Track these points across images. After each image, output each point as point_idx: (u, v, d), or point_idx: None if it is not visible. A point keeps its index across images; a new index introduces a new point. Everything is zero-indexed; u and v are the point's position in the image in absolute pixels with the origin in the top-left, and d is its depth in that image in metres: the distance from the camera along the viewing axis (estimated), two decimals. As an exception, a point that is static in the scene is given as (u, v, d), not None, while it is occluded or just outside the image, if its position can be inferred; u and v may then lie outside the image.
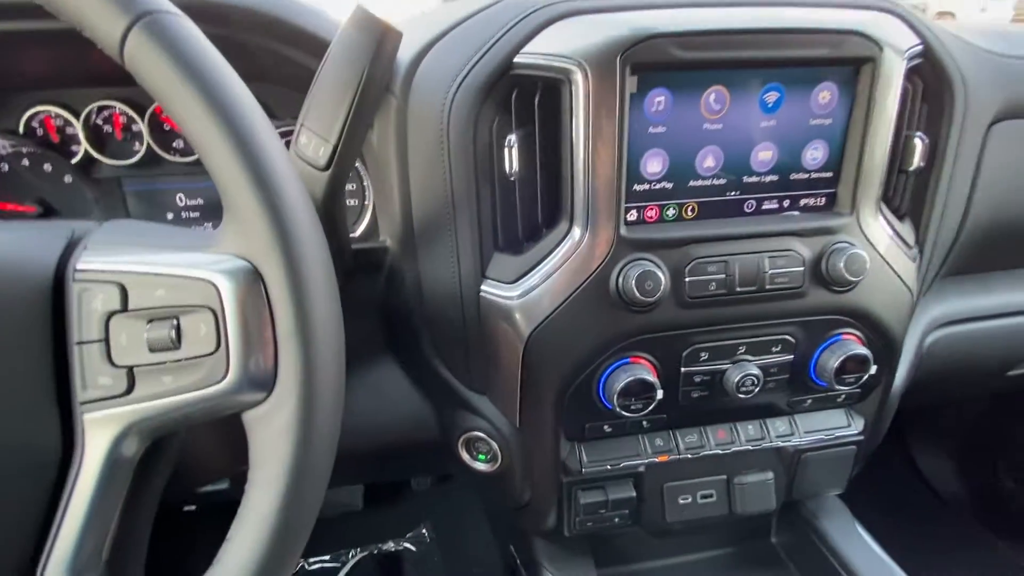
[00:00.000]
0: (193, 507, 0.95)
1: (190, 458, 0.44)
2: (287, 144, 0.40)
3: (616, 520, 0.60)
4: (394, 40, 0.40)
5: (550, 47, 0.45)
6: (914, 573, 0.66)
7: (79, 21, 0.27)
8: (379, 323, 0.61)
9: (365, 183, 0.61)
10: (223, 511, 0.34)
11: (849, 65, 0.48)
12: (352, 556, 1.00)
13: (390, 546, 1.02)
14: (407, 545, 1.02)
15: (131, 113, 0.58)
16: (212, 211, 0.63)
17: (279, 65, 0.52)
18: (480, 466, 0.61)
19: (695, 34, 0.45)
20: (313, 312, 0.29)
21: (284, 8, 0.50)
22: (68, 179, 0.60)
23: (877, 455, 0.66)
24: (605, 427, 0.56)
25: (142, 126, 0.58)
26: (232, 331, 0.29)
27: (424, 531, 1.04)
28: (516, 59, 0.46)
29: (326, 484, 0.32)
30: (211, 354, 0.29)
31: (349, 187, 0.61)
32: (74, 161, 0.59)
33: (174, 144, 0.60)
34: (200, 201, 0.63)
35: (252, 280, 0.29)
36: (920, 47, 0.50)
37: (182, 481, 0.43)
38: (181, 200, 0.63)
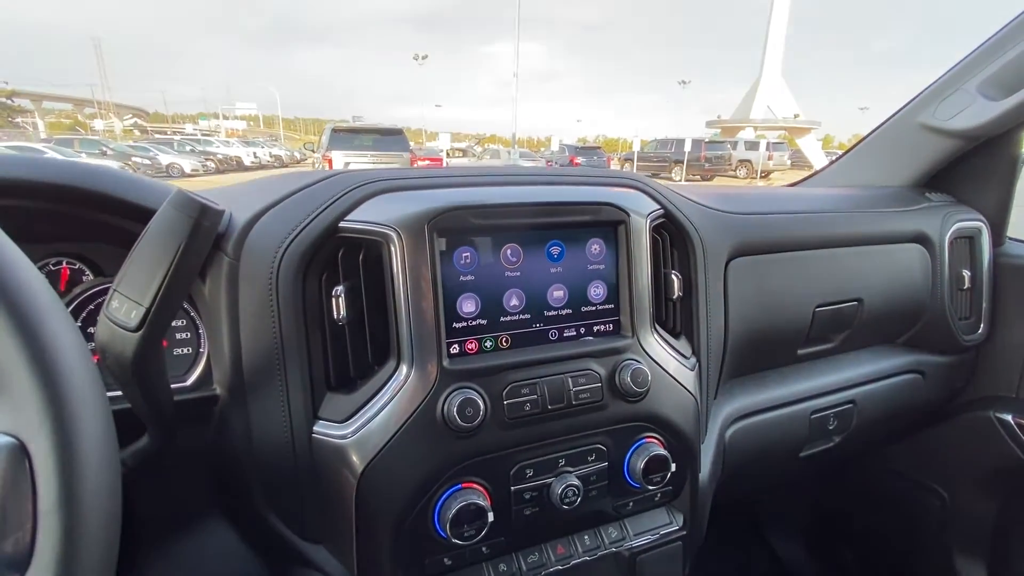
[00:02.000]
0: None
1: None
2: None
3: None
4: (213, 217, 0.45)
5: (370, 216, 0.54)
6: None
7: None
8: (204, 479, 0.58)
9: (201, 331, 0.62)
10: None
11: (608, 226, 0.63)
12: None
13: None
14: None
15: None
16: None
17: (108, 229, 0.54)
18: (318, 627, 0.57)
19: (486, 206, 0.56)
20: (80, 485, 0.28)
21: (105, 183, 0.53)
22: None
23: (734, 540, 0.72)
24: (445, 560, 0.57)
25: None
26: None
27: None
28: (341, 224, 0.54)
29: None
30: None
31: (184, 336, 0.61)
32: None
33: None
34: None
35: (16, 456, 0.28)
36: (660, 211, 0.67)
37: None
38: None
